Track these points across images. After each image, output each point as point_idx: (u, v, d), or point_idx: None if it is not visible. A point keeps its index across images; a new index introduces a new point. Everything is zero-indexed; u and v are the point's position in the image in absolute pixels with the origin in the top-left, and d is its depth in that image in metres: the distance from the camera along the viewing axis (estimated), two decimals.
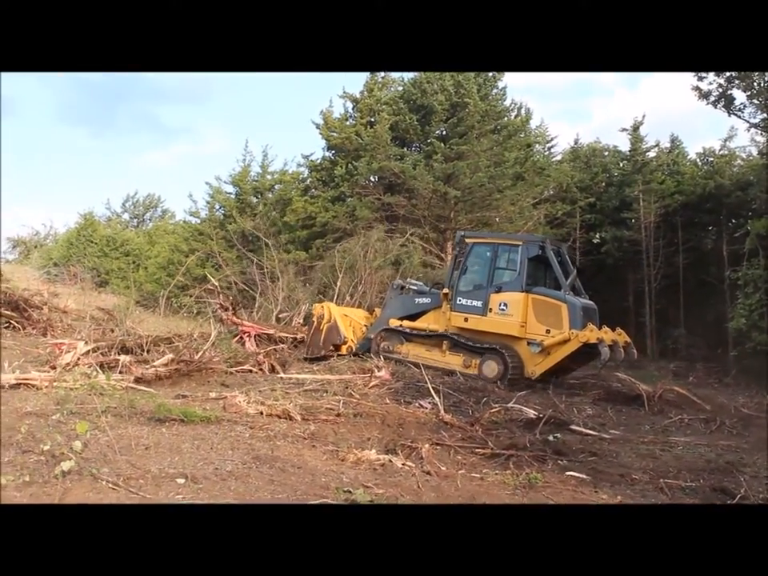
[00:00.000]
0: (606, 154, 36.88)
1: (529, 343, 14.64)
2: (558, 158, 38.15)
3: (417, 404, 10.47)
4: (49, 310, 16.14)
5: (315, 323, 16.71)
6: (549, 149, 39.64)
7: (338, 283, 22.83)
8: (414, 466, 7.02)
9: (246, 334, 16.56)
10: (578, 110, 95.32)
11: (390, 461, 7.09)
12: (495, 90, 32.33)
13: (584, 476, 7.19)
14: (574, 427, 9.68)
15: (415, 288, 17.75)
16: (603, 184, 34.62)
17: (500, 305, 15.04)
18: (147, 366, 11.27)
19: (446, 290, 16.02)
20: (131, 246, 46.37)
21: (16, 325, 15.02)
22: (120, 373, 10.81)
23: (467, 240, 16.24)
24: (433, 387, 10.69)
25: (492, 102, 31.54)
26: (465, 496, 6.19)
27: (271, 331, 17.72)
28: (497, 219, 29.69)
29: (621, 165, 35.50)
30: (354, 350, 16.75)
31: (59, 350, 11.46)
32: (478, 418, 9.52)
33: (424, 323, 16.37)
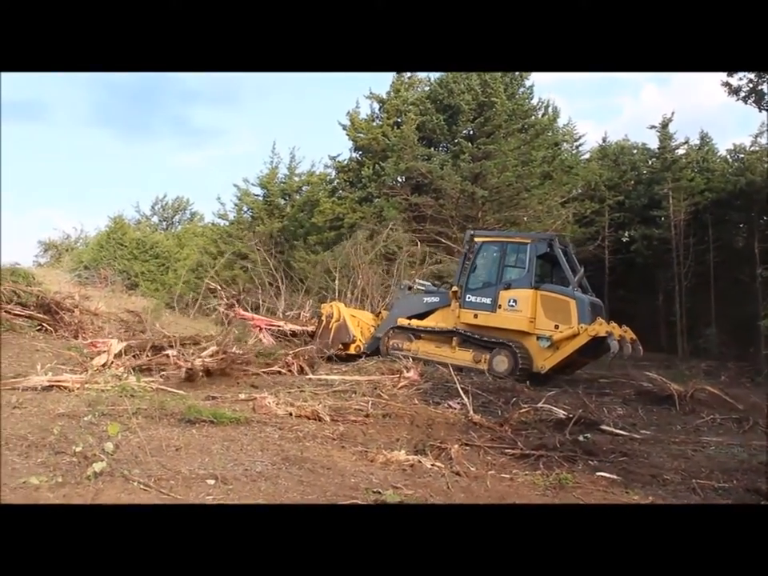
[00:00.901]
0: (635, 151, 36.70)
1: (538, 338, 14.86)
2: (586, 156, 38.06)
3: (446, 404, 10.43)
4: (80, 312, 16.25)
5: (324, 322, 16.96)
6: (577, 147, 39.56)
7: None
8: (443, 466, 6.99)
9: (257, 328, 16.67)
10: (605, 108, 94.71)
11: (420, 461, 7.06)
12: (522, 89, 32.29)
13: (615, 476, 7.11)
14: (604, 427, 9.59)
15: (423, 288, 18.01)
16: (632, 182, 34.48)
17: (509, 301, 15.27)
18: (195, 358, 11.39)
19: (455, 288, 16.22)
20: (161, 248, 46.69)
21: (48, 327, 15.16)
22: (151, 373, 10.88)
23: (476, 239, 16.59)
24: (462, 388, 10.65)
25: (519, 101, 31.48)
26: (494, 497, 6.15)
27: (281, 323, 17.88)
28: (525, 218, 29.59)
29: (650, 162, 35.32)
30: (362, 349, 16.90)
31: (94, 348, 11.54)
32: (507, 419, 9.46)
33: (432, 321, 16.57)
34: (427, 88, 34.66)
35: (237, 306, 17.95)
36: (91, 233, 58.89)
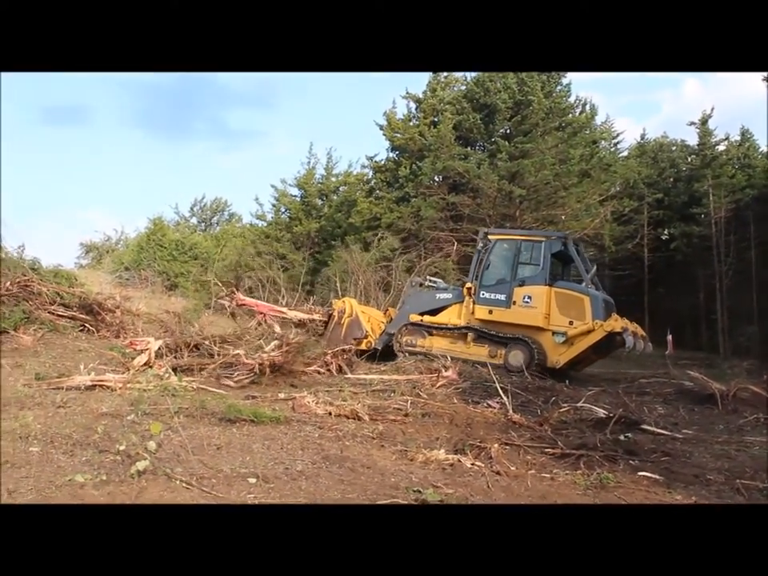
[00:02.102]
0: (674, 148, 36.36)
1: (554, 333, 15.11)
2: (625, 153, 37.70)
3: (485, 404, 10.40)
4: (121, 313, 16.43)
5: (336, 318, 17.08)
6: (615, 145, 39.19)
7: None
8: (483, 465, 6.97)
9: (261, 315, 16.76)
10: (644, 105, 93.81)
11: (459, 461, 7.05)
12: (559, 87, 32.07)
13: (657, 476, 7.03)
14: (645, 427, 9.49)
15: (434, 284, 18.28)
16: (671, 179, 34.16)
17: (524, 297, 15.53)
18: (262, 353, 11.66)
19: (468, 285, 16.42)
20: (199, 249, 47.05)
21: (90, 328, 15.34)
22: (192, 373, 11.00)
23: (490, 236, 16.78)
24: (501, 387, 10.62)
25: (556, 99, 31.28)
26: (535, 496, 6.12)
27: (284, 310, 17.96)
28: (563, 217, 29.39)
29: (689, 159, 34.96)
30: (373, 344, 16.96)
31: (133, 347, 11.68)
32: (546, 418, 9.42)
33: (445, 317, 16.70)
34: (463, 87, 34.58)
35: (236, 292, 17.96)
36: (131, 234, 59.54)
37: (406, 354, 16.01)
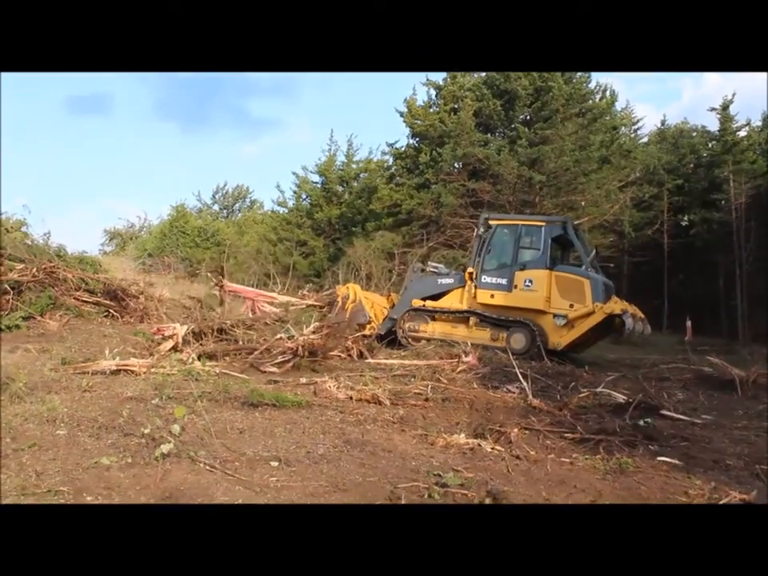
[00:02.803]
0: (695, 134, 36.08)
1: (555, 316, 15.40)
2: (645, 139, 37.46)
3: (504, 389, 10.41)
4: (145, 299, 16.58)
5: (340, 303, 17.13)
6: (635, 131, 38.99)
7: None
8: (503, 450, 7.00)
9: (250, 301, 16.87)
10: (664, 91, 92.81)
11: (479, 445, 7.09)
12: (580, 73, 31.82)
13: (676, 461, 7.03)
14: (664, 412, 9.49)
15: (435, 270, 18.35)
16: (691, 165, 33.91)
17: (525, 281, 15.84)
18: (302, 336, 11.90)
19: (470, 269, 16.68)
20: (221, 236, 47.20)
21: (114, 313, 15.49)
22: (216, 358, 11.12)
23: (491, 221, 17.01)
24: (520, 372, 10.64)
25: (577, 85, 31.09)
26: (555, 480, 6.15)
27: (273, 295, 18.12)
28: (582, 203, 29.25)
29: (710, 145, 34.67)
30: (376, 330, 17.03)
31: (161, 333, 11.79)
32: (566, 403, 9.43)
33: (447, 302, 16.95)
34: (483, 74, 34.42)
35: (223, 279, 18.01)
36: (154, 221, 59.82)
37: (409, 340, 16.28)
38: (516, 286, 15.94)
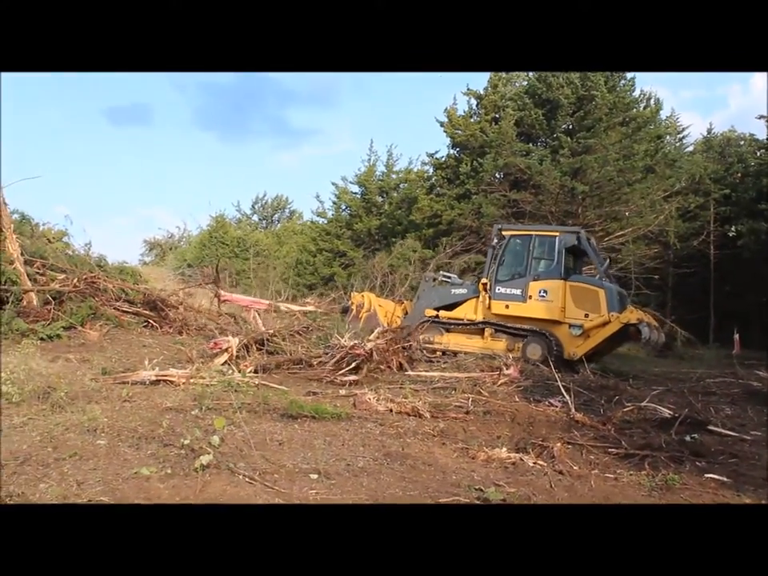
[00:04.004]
0: (742, 142, 35.56)
1: (570, 326, 15.51)
2: (690, 148, 36.96)
3: (547, 402, 10.29)
4: (184, 309, 16.69)
5: (354, 311, 17.34)
6: (680, 140, 38.47)
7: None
8: (545, 464, 6.90)
9: (246, 308, 16.83)
10: (710, 99, 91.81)
11: (521, 459, 6.99)
12: (623, 81, 31.55)
13: (725, 479, 6.86)
14: (712, 428, 9.28)
15: (448, 280, 18.59)
16: (739, 174, 33.37)
17: (540, 292, 16.02)
18: (365, 343, 12.01)
19: (484, 280, 16.83)
20: (260, 246, 47.53)
21: (154, 324, 15.61)
22: (255, 370, 11.12)
23: (504, 232, 17.14)
24: (563, 385, 10.50)
25: (620, 94, 30.83)
26: (599, 496, 6.04)
27: (268, 303, 18.28)
28: (626, 214, 28.94)
29: (758, 154, 34.07)
30: None
31: (217, 347, 11.79)
32: (610, 417, 9.28)
33: (461, 313, 17.07)
34: (525, 83, 34.28)
35: (218, 289, 18.01)
36: (194, 232, 60.47)
37: (424, 352, 15.98)
38: (531, 297, 16.11)
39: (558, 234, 16.65)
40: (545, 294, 15.93)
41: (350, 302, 18.20)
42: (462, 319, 16.91)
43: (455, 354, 16.10)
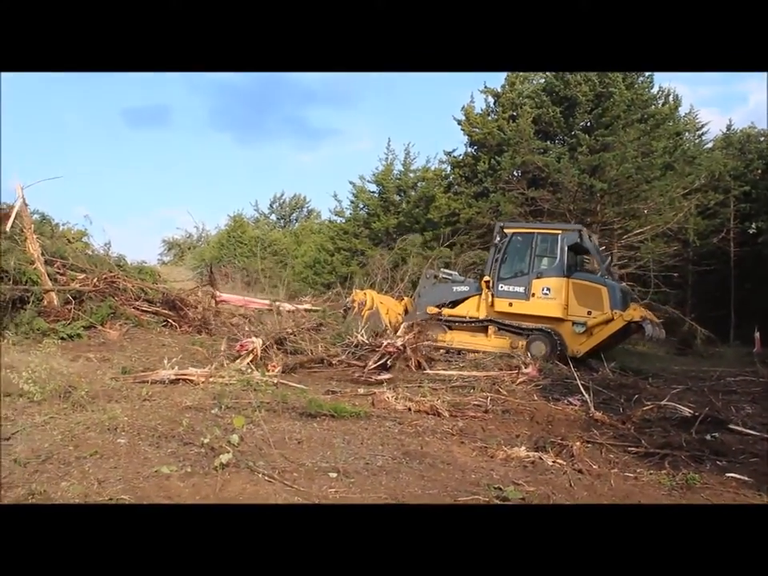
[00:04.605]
0: (762, 139, 35.21)
1: (574, 324, 15.63)
2: (710, 145, 36.64)
3: (565, 401, 10.28)
4: (203, 309, 16.75)
5: (356, 309, 17.25)
6: (699, 136, 38.14)
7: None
8: (564, 463, 6.89)
9: (242, 308, 16.80)
10: (730, 95, 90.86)
11: (541, 458, 6.99)
12: (641, 78, 31.36)
13: (746, 478, 6.82)
14: (732, 426, 9.22)
15: (449, 277, 18.61)
16: (759, 171, 33.01)
17: (542, 289, 16.17)
18: (394, 339, 12.32)
19: (486, 278, 16.89)
20: (279, 245, 47.63)
21: (173, 323, 15.67)
22: (273, 368, 11.15)
23: (506, 230, 17.23)
24: (582, 384, 10.47)
25: (638, 91, 30.64)
26: (619, 495, 6.02)
27: (263, 302, 18.28)
28: (645, 211, 28.73)
29: None
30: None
31: (244, 349, 11.83)
32: (629, 416, 9.25)
33: (463, 310, 17.16)
34: (543, 80, 34.14)
35: (214, 290, 17.90)
36: (212, 231, 60.65)
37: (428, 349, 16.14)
38: (534, 294, 16.28)
39: (559, 231, 16.78)
40: (548, 292, 16.09)
41: (351, 300, 18.15)
42: (465, 317, 17.00)
43: (459, 351, 16.22)
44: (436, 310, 17.16)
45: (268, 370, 10.80)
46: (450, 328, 16.98)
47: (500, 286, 16.64)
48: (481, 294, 17.05)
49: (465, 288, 17.55)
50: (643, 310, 15.58)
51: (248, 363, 11.05)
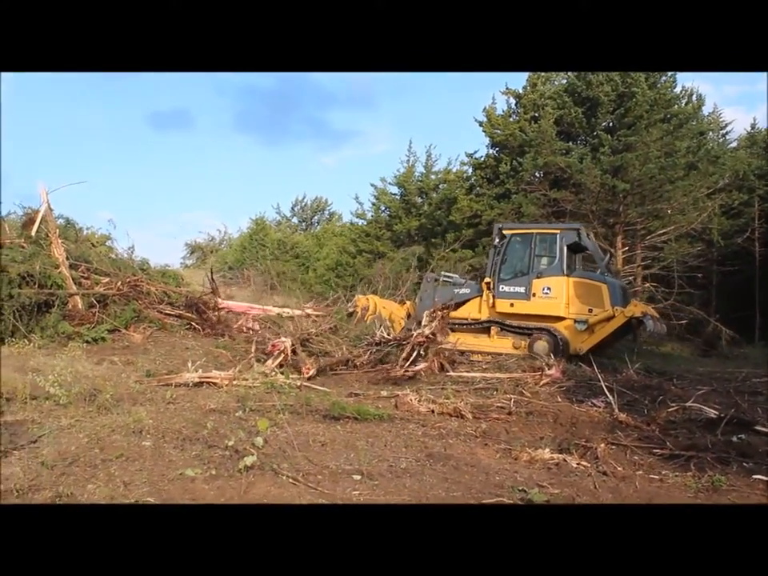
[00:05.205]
0: None
1: (575, 322, 15.74)
2: (734, 144, 36.35)
3: (589, 402, 10.23)
4: (226, 311, 16.83)
5: (359, 314, 17.39)
6: (723, 135, 37.88)
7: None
8: (589, 465, 6.86)
9: (244, 315, 16.77)
10: (754, 94, 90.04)
11: (565, 460, 6.97)
12: (664, 78, 31.14)
13: None
14: (758, 428, 9.11)
15: (450, 279, 18.70)
16: None
17: (543, 289, 16.30)
18: (424, 328, 12.49)
19: (487, 279, 17.07)
20: (300, 248, 47.71)
21: (196, 326, 15.75)
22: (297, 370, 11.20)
23: (505, 231, 17.36)
24: (606, 385, 10.42)
25: (661, 90, 30.39)
26: (644, 498, 5.98)
27: (265, 308, 18.05)
28: (668, 211, 28.52)
29: None
30: None
31: (275, 349, 11.89)
32: (654, 417, 9.18)
33: (465, 312, 17.29)
34: (564, 81, 34.01)
35: (216, 297, 17.64)
36: (234, 234, 60.85)
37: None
38: (534, 294, 16.40)
39: (558, 231, 16.94)
40: (548, 291, 16.23)
41: (353, 306, 18.26)
42: (467, 319, 17.14)
43: (462, 353, 16.06)
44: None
45: (302, 373, 10.87)
46: (453, 330, 16.82)
47: (501, 287, 16.84)
48: (482, 296, 17.26)
49: (466, 290, 17.71)
50: (643, 306, 15.93)
51: (278, 364, 11.13)
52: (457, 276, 19.36)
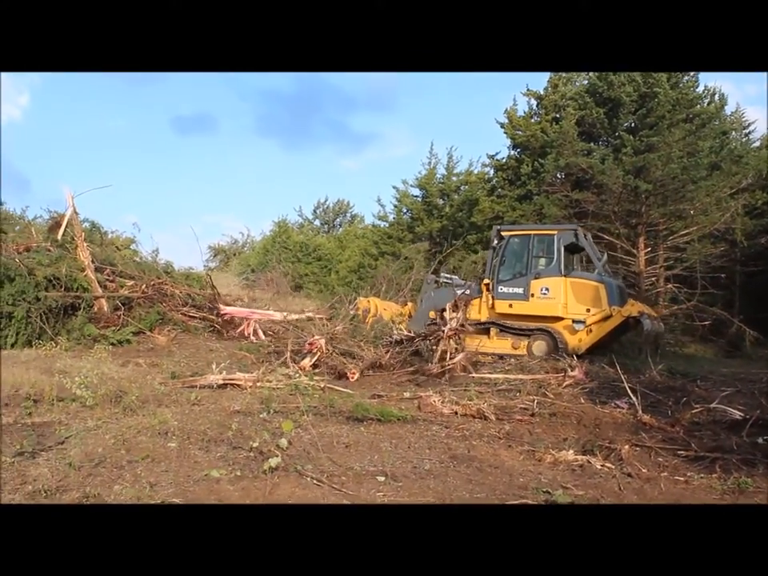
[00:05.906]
0: None
1: (574, 321, 15.97)
2: (757, 144, 36.01)
3: (613, 404, 10.19)
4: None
5: (361, 317, 17.45)
6: (746, 135, 37.51)
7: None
8: (613, 467, 6.84)
9: (247, 321, 16.78)
10: None
11: (589, 462, 6.95)
12: (686, 77, 30.96)
13: None
14: None
15: (450, 281, 18.92)
16: None
17: (541, 289, 16.61)
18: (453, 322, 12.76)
19: (486, 281, 17.32)
20: (323, 251, 47.76)
21: (220, 329, 15.85)
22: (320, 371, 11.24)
23: (503, 233, 17.63)
24: (629, 387, 10.37)
25: (683, 90, 30.22)
26: (669, 499, 5.95)
27: (268, 313, 18.04)
28: (691, 212, 28.32)
29: None
30: None
31: (312, 347, 11.98)
32: (678, 419, 9.13)
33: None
34: (585, 82, 33.89)
35: (217, 303, 17.66)
36: (257, 237, 60.99)
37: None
38: (533, 295, 16.76)
39: (555, 232, 17.24)
40: (546, 292, 16.50)
41: (355, 308, 18.30)
42: (467, 319, 16.94)
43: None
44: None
45: (348, 378, 10.97)
46: None
47: (499, 287, 17.11)
48: (481, 297, 17.44)
49: (466, 291, 17.52)
50: (640, 305, 16.25)
51: (313, 363, 11.26)
52: (456, 277, 19.66)
